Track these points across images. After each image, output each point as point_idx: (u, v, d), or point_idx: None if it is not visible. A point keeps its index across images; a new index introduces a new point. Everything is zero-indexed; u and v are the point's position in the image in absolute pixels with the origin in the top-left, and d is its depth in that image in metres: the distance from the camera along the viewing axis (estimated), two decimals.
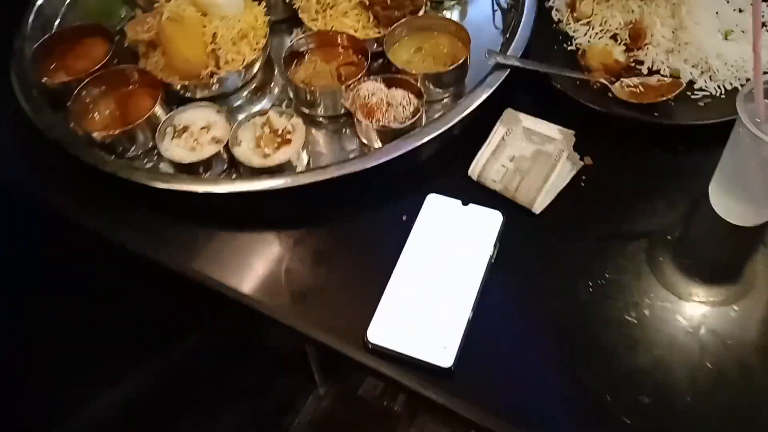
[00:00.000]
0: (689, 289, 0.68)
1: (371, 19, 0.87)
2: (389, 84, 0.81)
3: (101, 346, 1.00)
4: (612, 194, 0.75)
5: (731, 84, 0.80)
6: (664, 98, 0.79)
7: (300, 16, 0.89)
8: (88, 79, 0.82)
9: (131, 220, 0.78)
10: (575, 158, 0.75)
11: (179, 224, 0.77)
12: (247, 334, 1.28)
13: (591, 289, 0.68)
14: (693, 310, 0.66)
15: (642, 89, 0.81)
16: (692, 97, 0.80)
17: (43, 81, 0.84)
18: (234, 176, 0.79)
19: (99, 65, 0.84)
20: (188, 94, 0.84)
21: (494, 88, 0.79)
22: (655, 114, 0.79)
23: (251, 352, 1.30)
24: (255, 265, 0.73)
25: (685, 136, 0.79)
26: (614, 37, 0.87)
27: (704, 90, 0.81)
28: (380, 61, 0.86)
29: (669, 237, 0.72)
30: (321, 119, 0.84)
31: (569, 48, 0.87)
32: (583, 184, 0.75)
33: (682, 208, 0.74)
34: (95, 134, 0.79)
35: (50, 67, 0.88)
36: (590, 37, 0.87)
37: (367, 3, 0.86)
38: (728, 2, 0.87)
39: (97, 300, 0.98)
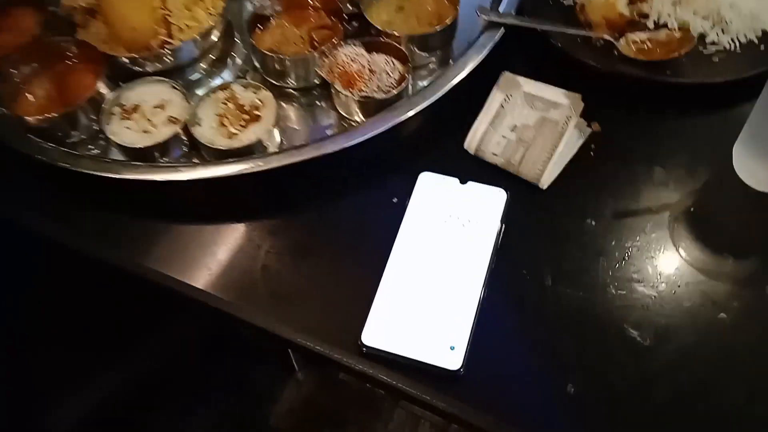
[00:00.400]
0: (718, 266, 0.61)
1: None
2: (369, 49, 0.71)
3: (64, 350, 0.91)
4: (625, 163, 0.67)
5: (746, 37, 0.73)
6: (675, 54, 0.71)
7: None
8: (17, 55, 0.70)
9: (77, 216, 0.68)
10: (583, 125, 0.67)
11: (134, 219, 0.67)
12: (221, 326, 1.19)
13: (610, 272, 0.60)
14: (724, 290, 0.59)
15: (650, 45, 0.73)
16: (705, 52, 0.73)
17: None
18: (195, 160, 0.68)
19: (29, 38, 0.72)
20: (137, 69, 0.73)
21: (488, 49, 0.70)
22: (666, 72, 0.71)
23: (226, 343, 1.20)
24: (226, 263, 0.64)
25: (700, 95, 0.71)
26: None
27: (717, 44, 0.73)
28: (357, 24, 0.76)
29: (692, 209, 0.64)
30: (292, 91, 0.74)
31: (566, 2, 0.78)
32: (592, 154, 0.67)
33: (703, 176, 0.66)
34: (29, 118, 0.68)
35: None
36: None
37: None
38: None
39: (53, 303, 0.88)
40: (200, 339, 1.17)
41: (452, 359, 0.55)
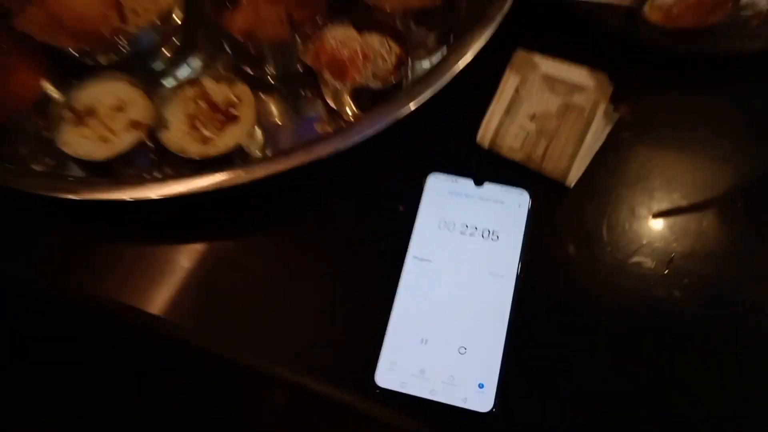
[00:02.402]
0: None
1: None
2: (359, 27, 0.61)
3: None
4: (663, 152, 0.59)
5: None
6: (707, 21, 0.62)
7: None
8: None
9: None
10: (610, 110, 0.59)
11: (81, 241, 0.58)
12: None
13: (659, 286, 0.53)
14: None
15: (678, 9, 0.64)
16: (743, 14, 0.64)
17: None
18: (167, 171, 0.58)
19: None
20: (87, 62, 0.62)
21: (498, 22, 0.61)
22: (699, 41, 0.62)
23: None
24: (203, 290, 0.55)
25: (742, 65, 0.63)
26: None
27: (754, 5, 0.64)
28: None
29: (736, 207, 0.56)
30: (271, 81, 0.64)
31: None
32: (619, 140, 0.59)
33: (759, 162, 0.58)
34: None
35: None
36: None
37: None
38: None
39: None
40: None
41: (482, 399, 0.48)
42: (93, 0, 0.59)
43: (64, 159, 0.59)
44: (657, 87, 0.62)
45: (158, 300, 0.55)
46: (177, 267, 0.56)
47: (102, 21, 0.60)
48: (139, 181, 0.56)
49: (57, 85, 0.61)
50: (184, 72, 0.65)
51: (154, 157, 0.59)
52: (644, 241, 0.55)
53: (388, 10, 0.61)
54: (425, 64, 0.63)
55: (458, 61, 0.59)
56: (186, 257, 0.56)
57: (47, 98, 0.59)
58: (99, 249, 0.57)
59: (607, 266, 0.54)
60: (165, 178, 0.56)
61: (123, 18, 0.61)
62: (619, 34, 0.62)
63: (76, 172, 0.59)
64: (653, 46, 0.62)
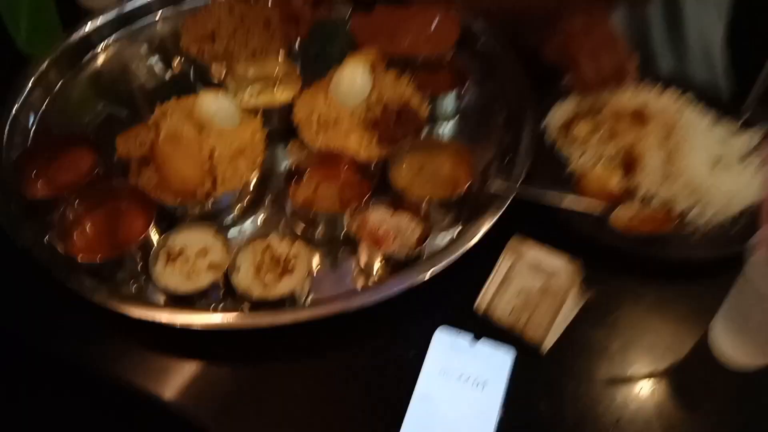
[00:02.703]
0: None
1: (372, 139, 0.86)
2: (394, 206, 0.80)
3: None
4: (620, 331, 0.75)
5: (724, 216, 0.83)
6: (659, 230, 0.81)
7: (300, 135, 0.86)
8: (73, 194, 0.78)
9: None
10: (580, 292, 0.76)
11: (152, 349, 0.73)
12: None
13: None
14: None
15: (638, 220, 0.83)
16: (688, 228, 0.82)
17: (23, 195, 0.79)
18: (223, 304, 0.75)
19: (85, 179, 0.80)
20: (179, 213, 0.81)
21: (498, 215, 0.79)
22: (652, 246, 0.80)
23: None
24: (240, 407, 0.69)
25: (684, 269, 0.80)
26: (611, 161, 0.88)
27: (697, 222, 0.83)
28: (379, 180, 0.85)
29: (671, 382, 0.71)
30: (317, 240, 0.82)
31: (566, 174, 0.89)
32: (585, 317, 0.76)
33: (681, 350, 0.74)
34: (80, 257, 0.74)
35: (31, 178, 0.82)
36: (586, 161, 0.89)
37: (372, 123, 0.85)
38: (717, 132, 0.90)
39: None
40: None
41: None
42: (195, 169, 0.79)
43: (147, 285, 0.76)
44: (619, 278, 0.79)
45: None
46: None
47: (199, 185, 0.79)
48: (213, 312, 0.72)
49: (157, 229, 0.78)
50: (249, 226, 0.84)
51: (222, 293, 0.75)
52: (600, 402, 0.69)
53: (416, 198, 0.80)
54: (441, 239, 0.81)
55: (467, 243, 0.77)
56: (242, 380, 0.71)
57: (148, 239, 0.77)
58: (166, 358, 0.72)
59: (568, 420, 0.68)
60: (238, 313, 0.72)
61: (214, 184, 0.80)
62: (591, 234, 0.81)
63: (158, 298, 0.75)
64: (617, 247, 0.80)
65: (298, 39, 0.98)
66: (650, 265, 0.81)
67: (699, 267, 0.81)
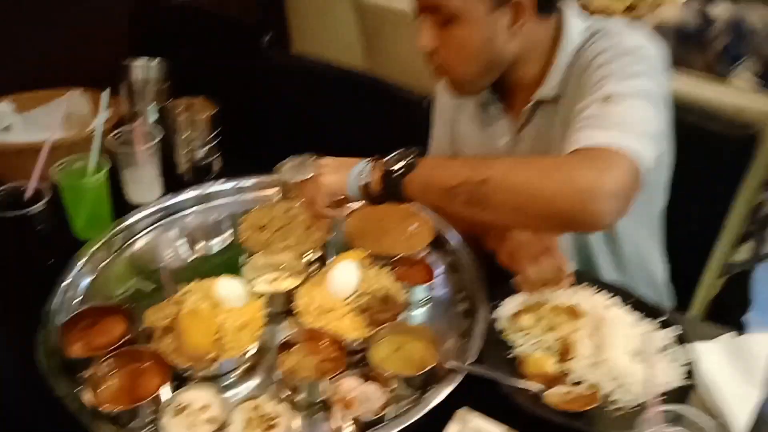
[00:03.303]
0: None
1: (361, 322, 1.05)
2: (365, 377, 0.97)
3: None
4: None
5: (641, 399, 0.99)
6: (586, 408, 0.96)
7: (299, 319, 1.06)
8: (106, 356, 0.96)
9: None
10: None
11: None
12: None
13: None
14: None
15: (569, 398, 0.99)
16: (610, 407, 0.98)
17: (67, 354, 0.98)
18: None
19: (117, 343, 0.99)
20: (185, 374, 0.99)
21: (451, 389, 0.96)
22: (580, 420, 0.95)
23: None
24: None
25: None
26: (549, 348, 1.06)
27: (619, 402, 0.99)
28: (359, 356, 1.02)
29: None
30: (299, 403, 0.98)
31: (510, 355, 1.06)
32: None
33: None
34: (104, 407, 0.91)
35: (74, 340, 1.01)
36: (528, 347, 1.07)
37: (361, 310, 1.06)
38: (639, 328, 1.09)
39: None
40: None
41: None
42: (206, 339, 0.98)
43: None
44: None
45: None
46: None
47: (208, 352, 0.97)
48: None
49: (171, 386, 0.96)
50: (244, 388, 1.00)
51: None
52: None
53: (385, 372, 0.98)
54: (401, 407, 0.97)
55: (422, 410, 0.93)
56: None
57: (161, 394, 0.94)
58: None
59: None
60: None
61: (220, 351, 0.98)
62: (529, 408, 0.96)
63: None
64: (550, 420, 0.95)
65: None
66: None
67: None
